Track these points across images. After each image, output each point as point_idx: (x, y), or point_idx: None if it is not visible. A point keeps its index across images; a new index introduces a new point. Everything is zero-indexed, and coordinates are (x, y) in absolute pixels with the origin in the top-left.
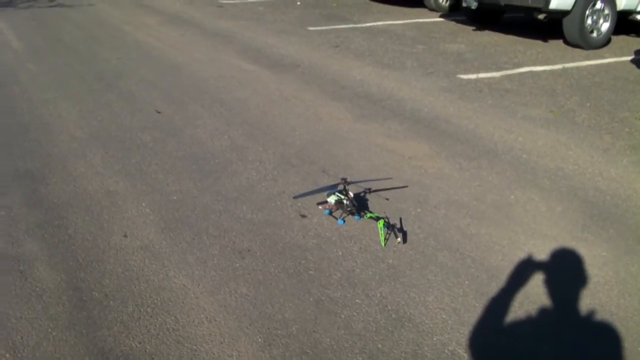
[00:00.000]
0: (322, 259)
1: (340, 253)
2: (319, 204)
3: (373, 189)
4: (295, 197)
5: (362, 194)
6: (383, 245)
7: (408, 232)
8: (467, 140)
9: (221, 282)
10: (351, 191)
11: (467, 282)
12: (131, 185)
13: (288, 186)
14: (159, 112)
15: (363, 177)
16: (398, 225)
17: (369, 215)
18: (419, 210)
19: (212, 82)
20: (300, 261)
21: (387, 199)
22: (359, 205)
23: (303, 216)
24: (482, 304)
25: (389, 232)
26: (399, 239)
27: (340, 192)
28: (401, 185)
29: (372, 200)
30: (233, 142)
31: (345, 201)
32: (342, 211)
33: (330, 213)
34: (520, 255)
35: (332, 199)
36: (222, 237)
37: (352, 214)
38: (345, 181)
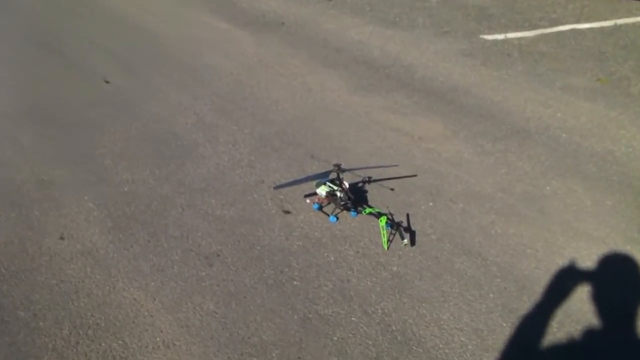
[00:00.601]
0: (309, 266)
1: (332, 258)
2: (306, 196)
3: (374, 178)
4: (276, 188)
5: (360, 185)
6: (385, 248)
7: (417, 232)
8: (491, 116)
9: (183, 296)
10: (346, 181)
11: (491, 295)
12: (71, 173)
13: (268, 174)
14: (107, 82)
15: (361, 163)
16: (404, 224)
17: (368, 210)
18: (431, 204)
19: (176, 45)
20: (282, 269)
21: (393, 189)
22: (356, 198)
23: (286, 212)
24: (511, 323)
25: (393, 232)
26: (405, 241)
27: (332, 181)
28: (409, 173)
29: (372, 192)
30: (200, 119)
31: (339, 193)
32: (334, 206)
33: (320, 208)
34: (559, 261)
35: (322, 191)
36: (184, 238)
37: (348, 209)
38: (339, 168)
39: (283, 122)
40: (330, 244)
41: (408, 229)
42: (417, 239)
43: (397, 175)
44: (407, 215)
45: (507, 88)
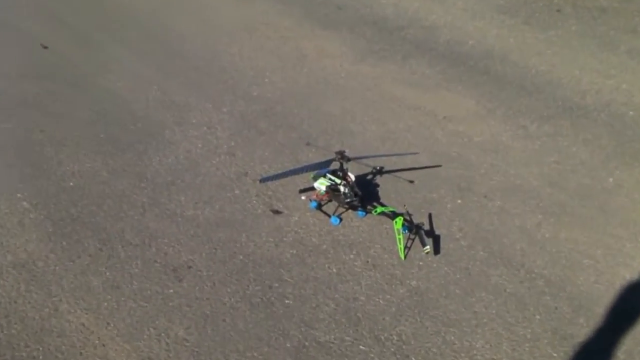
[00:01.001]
0: (305, 280)
1: (334, 270)
2: (301, 192)
3: (387, 168)
4: (263, 181)
5: (369, 177)
6: (402, 257)
7: (442, 237)
8: (536, 89)
9: (144, 320)
10: (352, 172)
11: (537, 317)
12: (1, 164)
13: (252, 165)
14: (45, 48)
15: (371, 151)
16: (426, 226)
17: (379, 210)
18: (460, 201)
19: (140, 7)
20: (271, 284)
21: (412, 182)
22: (365, 194)
23: (276, 212)
24: (564, 353)
25: (411, 236)
26: (427, 248)
27: (334, 173)
28: (431, 163)
29: (385, 186)
30: (167, 96)
31: (342, 188)
32: (337, 204)
33: (319, 207)
34: (625, 274)
35: (321, 185)
36: (146, 246)
37: (354, 208)
38: (342, 157)
39: (271, 98)
40: (331, 253)
41: (431, 233)
42: (442, 245)
43: (416, 166)
44: (430, 216)
45: (557, 53)
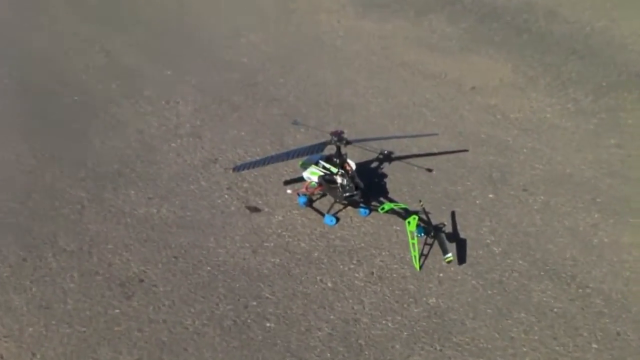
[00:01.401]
0: (291, 297)
1: (328, 284)
2: (287, 183)
3: (397, 154)
4: (236, 170)
5: (374, 165)
6: (417, 267)
7: (469, 242)
8: (591, 52)
9: (82, 349)
10: (351, 159)
11: (594, 346)
12: None
13: (224, 149)
14: None
15: (376, 131)
16: (448, 228)
17: (388, 206)
18: (492, 196)
19: None
20: (247, 302)
21: (431, 171)
22: (368, 186)
23: (254, 209)
24: None
25: (428, 240)
26: (449, 256)
27: (329, 160)
28: (455, 147)
29: (394, 175)
30: (112, 61)
31: (339, 179)
32: (333, 199)
33: (310, 203)
34: None
35: (313, 175)
36: (85, 254)
37: (355, 204)
38: (339, 139)
39: (249, 64)
40: (325, 262)
41: (454, 237)
42: (468, 252)
43: (435, 150)
44: (453, 215)
45: (619, 5)
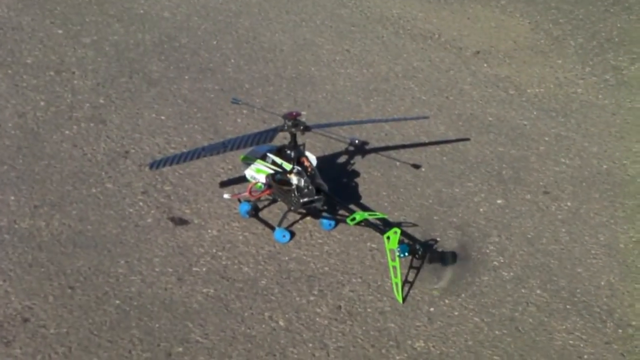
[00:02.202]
0: (230, 342)
1: (280, 323)
2: (223, 185)
3: (373, 144)
4: (154, 167)
5: (342, 159)
6: (399, 299)
7: (473, 264)
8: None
9: None
10: (311, 153)
11: None
12: None
13: (137, 138)
14: None
15: (344, 113)
16: (441, 245)
17: (360, 217)
18: (501, 201)
19: None
20: (170, 348)
21: (418, 168)
22: (334, 189)
23: (179, 221)
24: None
25: (414, 262)
26: (441, 283)
27: (280, 153)
28: (453, 135)
29: (370, 175)
30: None
31: (294, 178)
32: (287, 207)
33: (255, 212)
34: None
35: (257, 172)
36: None
37: (315, 213)
38: (294, 123)
39: (170, 20)
40: (276, 292)
41: (448, 257)
42: (467, 278)
43: (425, 140)
44: (447, 227)
45: None
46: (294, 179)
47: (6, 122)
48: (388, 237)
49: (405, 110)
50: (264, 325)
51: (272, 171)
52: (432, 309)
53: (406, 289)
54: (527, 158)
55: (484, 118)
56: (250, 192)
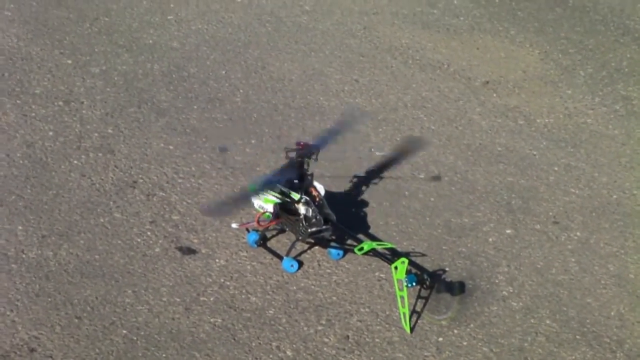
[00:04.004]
0: None
1: (287, 353)
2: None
3: (381, 173)
4: (213, 215)
5: (349, 189)
6: (407, 329)
7: (479, 294)
8: None
9: None
10: (319, 183)
11: None
12: None
13: (145, 168)
14: None
15: (352, 144)
16: (449, 275)
17: (368, 246)
18: (511, 231)
19: None
20: None
21: (428, 198)
22: (342, 219)
23: (187, 251)
24: None
25: (422, 292)
26: (447, 314)
27: (289, 184)
28: (460, 164)
29: (378, 205)
30: None
31: (302, 208)
32: (295, 237)
33: (263, 242)
34: None
35: (266, 202)
36: None
37: (324, 243)
38: (301, 151)
39: (180, 50)
40: (284, 322)
41: (457, 288)
42: (478, 308)
43: (434, 169)
44: (456, 257)
45: None
46: (301, 209)
47: (15, 152)
48: (396, 267)
49: (414, 140)
50: (271, 356)
51: (280, 201)
52: (440, 339)
53: (414, 319)
54: (537, 188)
55: (493, 148)
56: (258, 222)
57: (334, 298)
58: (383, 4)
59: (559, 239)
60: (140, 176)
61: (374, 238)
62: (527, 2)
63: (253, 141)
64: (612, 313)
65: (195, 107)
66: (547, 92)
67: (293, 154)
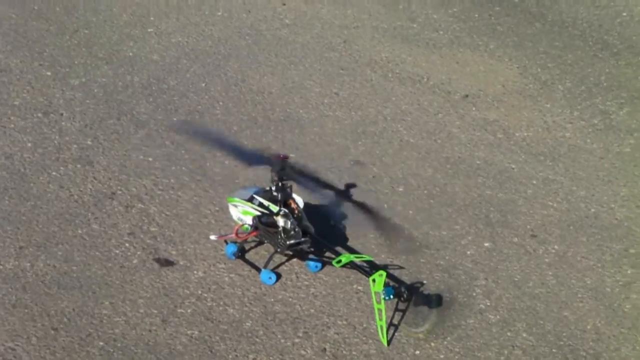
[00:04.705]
0: None
1: None
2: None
3: (360, 186)
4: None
5: (328, 202)
6: (384, 342)
7: (457, 307)
8: (629, 47)
9: None
10: (298, 195)
11: None
12: None
13: (124, 180)
14: None
15: (332, 155)
16: (427, 288)
17: (346, 259)
18: (488, 244)
19: None
20: None
21: (406, 211)
22: (320, 232)
23: (164, 262)
24: None
25: (400, 305)
26: (424, 327)
27: (267, 195)
28: (439, 178)
29: (356, 217)
30: None
31: (281, 221)
32: (273, 248)
33: (241, 254)
34: None
35: (244, 214)
36: None
37: (302, 255)
38: (282, 167)
39: (159, 62)
40: (261, 334)
41: (434, 301)
42: (454, 321)
43: (413, 182)
44: (433, 270)
45: None
46: (280, 221)
47: None
48: (374, 280)
49: (394, 153)
50: None
51: (258, 213)
52: (417, 352)
53: (391, 331)
54: (515, 201)
55: (472, 161)
56: (236, 234)
57: (312, 310)
58: (363, 18)
59: (536, 252)
60: (119, 188)
61: (352, 251)
62: (507, 17)
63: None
64: (589, 327)
65: (174, 119)
66: (526, 106)
67: (275, 166)
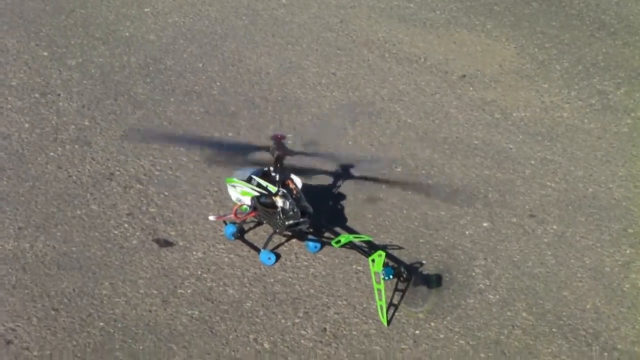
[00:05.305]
0: None
1: (265, 345)
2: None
3: (358, 167)
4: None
5: (328, 182)
6: (384, 322)
7: (456, 287)
8: (626, 27)
9: None
10: (296, 175)
11: None
12: None
13: (122, 160)
14: None
15: (329, 136)
16: (426, 268)
17: (345, 239)
18: (487, 224)
19: None
20: None
21: (405, 191)
22: (319, 212)
23: (164, 243)
24: None
25: (400, 285)
26: (424, 307)
27: (265, 176)
28: (437, 159)
29: (356, 198)
30: None
31: (279, 201)
32: (272, 229)
33: (241, 234)
34: None
35: (243, 195)
36: None
37: (301, 236)
38: (279, 146)
39: (156, 42)
40: (261, 314)
41: (434, 281)
42: (454, 301)
43: (411, 162)
44: (433, 250)
45: None
46: (279, 202)
47: None
48: (373, 260)
49: (391, 134)
50: (248, 348)
51: (257, 194)
52: (417, 332)
53: (391, 311)
54: (513, 181)
55: (469, 141)
56: (235, 214)
57: (312, 291)
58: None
59: (535, 232)
60: (117, 168)
61: (351, 231)
62: None
63: (230, 134)
64: (588, 306)
65: (172, 99)
66: (523, 86)
67: (271, 146)
